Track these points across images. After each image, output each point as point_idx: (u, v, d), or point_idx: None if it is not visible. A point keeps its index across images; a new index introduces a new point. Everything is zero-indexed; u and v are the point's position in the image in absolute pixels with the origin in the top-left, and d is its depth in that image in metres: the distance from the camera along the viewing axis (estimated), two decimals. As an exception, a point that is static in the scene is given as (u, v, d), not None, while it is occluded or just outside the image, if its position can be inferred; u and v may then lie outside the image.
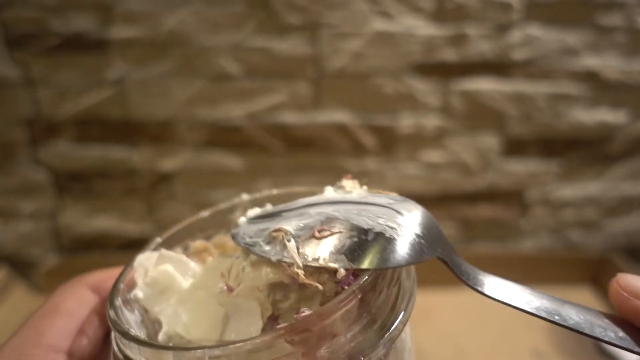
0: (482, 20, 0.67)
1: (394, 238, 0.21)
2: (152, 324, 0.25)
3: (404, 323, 0.22)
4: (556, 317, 0.20)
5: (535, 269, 0.77)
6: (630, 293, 0.21)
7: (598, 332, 0.20)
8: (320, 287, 0.21)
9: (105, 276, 0.27)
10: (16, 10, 0.64)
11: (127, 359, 0.21)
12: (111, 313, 0.22)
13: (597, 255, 0.79)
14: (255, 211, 0.28)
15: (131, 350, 0.21)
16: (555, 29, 0.68)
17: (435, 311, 0.69)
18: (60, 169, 0.74)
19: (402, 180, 0.77)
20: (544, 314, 0.20)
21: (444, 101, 0.72)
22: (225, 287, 0.24)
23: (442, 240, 0.23)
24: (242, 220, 0.27)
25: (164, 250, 0.27)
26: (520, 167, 0.77)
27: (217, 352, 0.19)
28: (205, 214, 0.30)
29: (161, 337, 0.24)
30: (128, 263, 0.26)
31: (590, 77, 0.71)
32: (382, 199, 0.25)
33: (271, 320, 0.23)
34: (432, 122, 0.73)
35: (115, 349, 0.22)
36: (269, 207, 0.28)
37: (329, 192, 0.27)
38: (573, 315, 0.21)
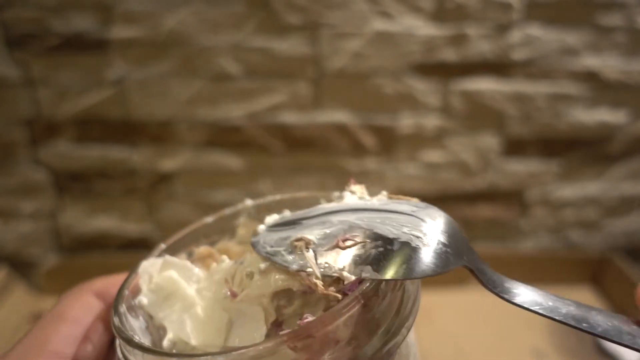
0: (482, 20, 0.67)
1: (420, 247, 0.21)
2: (156, 330, 0.25)
3: (408, 328, 0.22)
4: (584, 325, 0.20)
5: (535, 269, 0.78)
6: None
7: (627, 340, 0.20)
8: (340, 297, 0.21)
9: (110, 282, 0.27)
10: (16, 10, 0.64)
11: None
12: (115, 320, 0.23)
13: (597, 255, 0.79)
14: (273, 217, 0.27)
15: (135, 357, 0.21)
16: (555, 29, 0.68)
17: (436, 311, 0.69)
18: (60, 169, 0.74)
19: (402, 180, 0.77)
20: (572, 322, 0.20)
21: (444, 101, 0.72)
22: (229, 293, 0.24)
23: (467, 248, 0.23)
24: (262, 227, 0.26)
25: (168, 257, 0.27)
26: (520, 167, 0.77)
27: (220, 358, 0.19)
28: (209, 219, 0.30)
29: (166, 343, 0.24)
30: (132, 269, 0.26)
31: (590, 77, 0.71)
32: (404, 206, 0.24)
33: (275, 326, 0.23)
34: (432, 122, 0.73)
35: (120, 355, 0.22)
36: (287, 214, 0.28)
37: (349, 199, 0.27)
38: (601, 322, 0.20)
